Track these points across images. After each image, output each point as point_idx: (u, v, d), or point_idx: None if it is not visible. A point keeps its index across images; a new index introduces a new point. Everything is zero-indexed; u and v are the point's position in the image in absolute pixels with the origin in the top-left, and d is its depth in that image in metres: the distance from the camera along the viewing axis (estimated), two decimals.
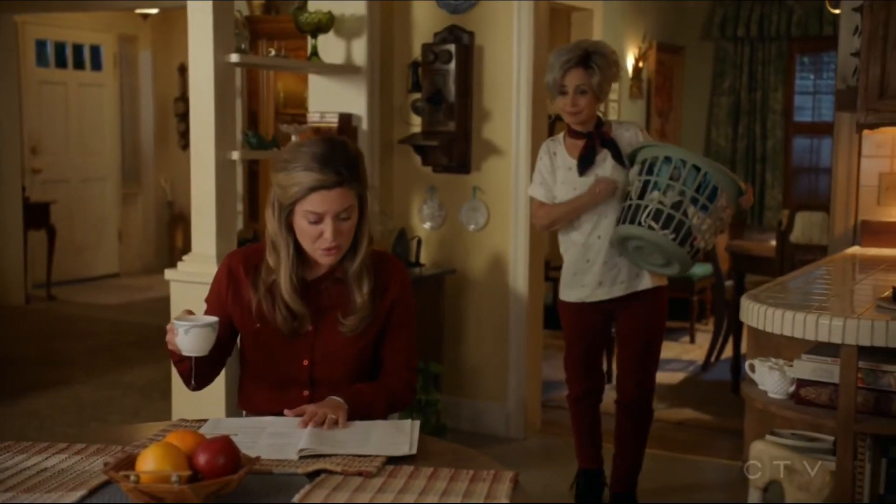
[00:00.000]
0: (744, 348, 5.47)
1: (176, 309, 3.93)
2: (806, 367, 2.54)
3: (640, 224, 3.21)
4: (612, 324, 3.63)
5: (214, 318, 2.05)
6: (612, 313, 3.55)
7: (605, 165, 3.40)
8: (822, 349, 2.55)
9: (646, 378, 3.56)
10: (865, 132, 3.85)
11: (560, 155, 3.48)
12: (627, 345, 3.55)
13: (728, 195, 3.22)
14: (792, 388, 2.60)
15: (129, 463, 1.67)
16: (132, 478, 1.60)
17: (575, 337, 3.61)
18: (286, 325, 2.19)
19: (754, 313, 2.60)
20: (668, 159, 3.21)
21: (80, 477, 1.77)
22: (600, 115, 3.48)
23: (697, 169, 3.17)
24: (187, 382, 2.22)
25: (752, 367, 2.74)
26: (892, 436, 2.47)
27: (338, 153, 2.12)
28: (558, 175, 3.46)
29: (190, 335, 2.00)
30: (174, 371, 2.27)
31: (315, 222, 2.12)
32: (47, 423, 4.80)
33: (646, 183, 3.24)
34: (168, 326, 2.06)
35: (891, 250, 3.41)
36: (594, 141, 3.39)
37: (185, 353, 2.03)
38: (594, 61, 3.33)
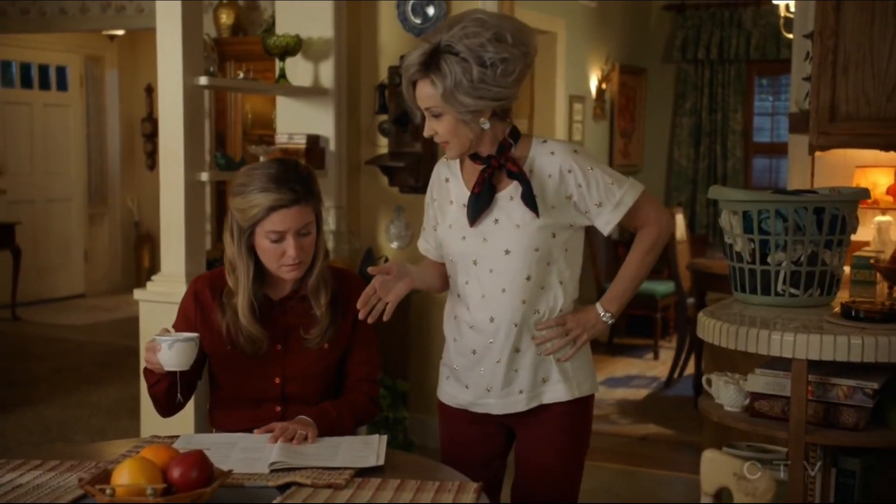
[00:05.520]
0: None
1: (146, 329, 3.95)
2: (759, 381, 2.63)
3: (778, 294, 2.78)
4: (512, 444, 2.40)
5: (195, 334, 2.11)
6: (512, 430, 2.35)
7: (511, 209, 2.19)
8: (774, 363, 2.64)
9: None
10: (818, 154, 3.97)
11: (454, 183, 2.29)
12: (525, 479, 2.32)
13: (851, 211, 2.81)
14: (746, 402, 2.69)
15: (104, 477, 1.72)
16: (108, 491, 1.65)
17: (452, 456, 2.37)
18: (248, 347, 2.25)
19: (710, 329, 2.69)
20: (779, 214, 2.73)
21: (56, 492, 1.81)
22: (515, 128, 2.25)
23: (816, 209, 2.74)
24: (164, 405, 2.26)
25: (709, 382, 2.82)
26: (841, 446, 2.56)
27: (291, 172, 2.20)
28: (448, 213, 2.28)
29: (174, 350, 2.05)
30: (143, 390, 2.31)
31: (277, 241, 2.19)
32: (12, 444, 4.78)
33: (763, 244, 2.75)
34: (148, 345, 2.11)
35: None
36: (492, 171, 2.20)
37: (167, 369, 2.08)
38: (440, 64, 2.09)
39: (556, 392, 2.25)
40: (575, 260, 2.28)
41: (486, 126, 2.17)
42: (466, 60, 2.07)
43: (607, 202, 2.21)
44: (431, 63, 2.10)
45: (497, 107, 2.16)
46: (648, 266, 2.29)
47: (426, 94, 2.13)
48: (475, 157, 2.22)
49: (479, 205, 2.20)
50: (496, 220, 2.20)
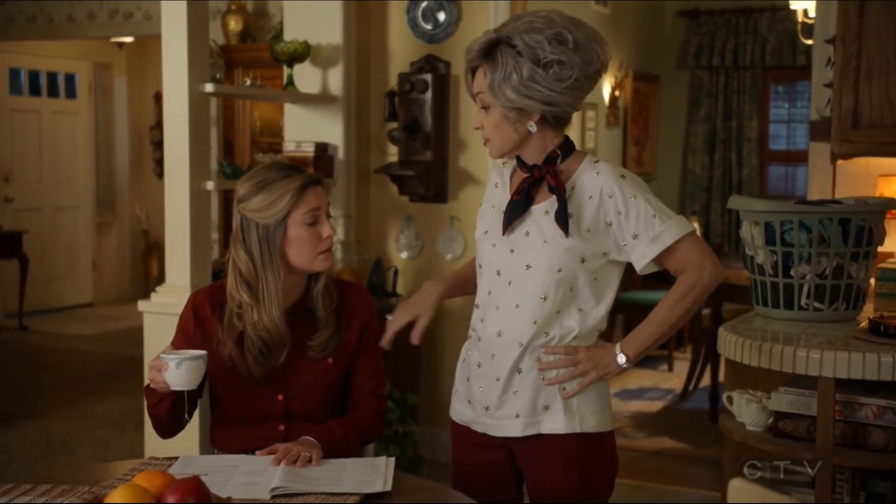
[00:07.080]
0: (722, 377, 5.47)
1: (150, 341, 3.87)
2: (783, 400, 2.52)
3: (801, 308, 2.67)
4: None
5: (203, 352, 2.02)
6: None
7: (544, 224, 2.08)
8: (799, 381, 2.54)
9: None
10: (839, 162, 3.87)
11: (501, 189, 2.21)
12: None
13: (878, 222, 2.71)
14: (770, 421, 2.58)
15: None
16: None
17: (463, 476, 2.28)
18: (258, 367, 2.16)
19: (731, 345, 2.59)
20: (803, 225, 2.64)
21: None
22: (570, 141, 2.18)
23: (842, 220, 2.64)
24: (166, 426, 2.19)
25: (730, 400, 2.72)
26: (870, 468, 2.45)
27: (294, 165, 2.26)
28: (486, 218, 2.21)
29: (182, 368, 1.96)
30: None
31: (313, 223, 2.15)
32: (16, 458, 4.70)
33: (786, 256, 2.66)
34: (152, 363, 2.02)
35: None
36: (533, 181, 2.11)
37: (174, 388, 1.99)
38: (496, 54, 2.03)
39: (555, 423, 2.08)
40: (603, 291, 2.11)
41: (534, 129, 2.09)
42: (521, 55, 1.99)
43: (644, 235, 2.04)
44: (490, 52, 2.03)
45: (548, 112, 2.07)
46: (680, 314, 2.08)
47: (479, 82, 2.07)
48: (521, 164, 2.14)
49: (513, 214, 2.10)
50: (527, 233, 2.09)
